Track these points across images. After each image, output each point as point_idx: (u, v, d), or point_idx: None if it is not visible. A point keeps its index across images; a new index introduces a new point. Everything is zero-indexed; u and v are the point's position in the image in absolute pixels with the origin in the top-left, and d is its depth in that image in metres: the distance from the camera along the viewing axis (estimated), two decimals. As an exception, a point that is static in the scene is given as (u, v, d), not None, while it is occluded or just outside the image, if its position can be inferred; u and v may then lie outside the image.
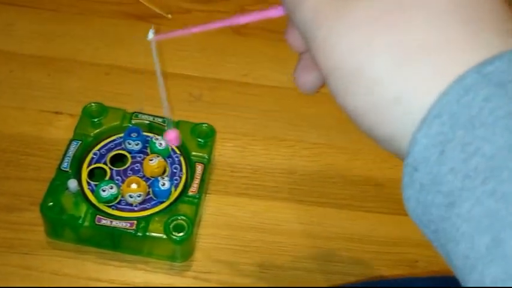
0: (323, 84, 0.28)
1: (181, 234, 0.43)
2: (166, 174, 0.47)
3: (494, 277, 0.19)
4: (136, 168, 0.47)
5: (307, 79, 0.29)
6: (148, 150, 0.48)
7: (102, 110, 0.50)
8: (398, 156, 0.23)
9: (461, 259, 0.20)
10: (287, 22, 0.28)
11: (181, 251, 0.44)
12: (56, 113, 0.54)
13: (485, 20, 0.22)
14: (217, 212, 0.49)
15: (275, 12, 0.29)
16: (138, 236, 0.42)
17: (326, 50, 0.23)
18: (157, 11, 0.65)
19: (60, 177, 0.45)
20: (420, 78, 0.21)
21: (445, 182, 0.20)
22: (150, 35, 0.35)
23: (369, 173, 0.53)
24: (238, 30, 0.65)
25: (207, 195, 0.50)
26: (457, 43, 0.21)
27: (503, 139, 0.19)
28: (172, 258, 0.44)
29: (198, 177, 0.47)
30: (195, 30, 0.32)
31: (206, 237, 0.47)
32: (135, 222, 0.43)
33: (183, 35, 0.34)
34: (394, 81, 0.22)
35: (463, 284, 0.21)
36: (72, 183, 0.44)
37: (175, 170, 0.47)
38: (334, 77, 0.23)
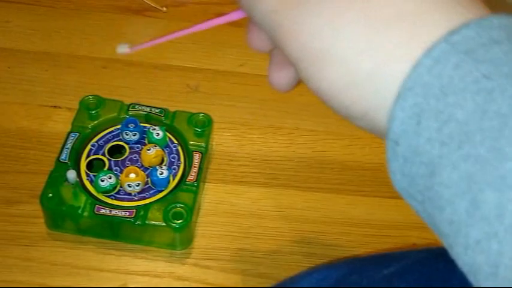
0: (298, 80, 0.29)
1: (180, 221, 0.43)
2: (164, 163, 0.47)
3: (476, 239, 0.19)
4: (135, 158, 0.47)
5: (280, 76, 0.29)
6: (145, 141, 0.49)
7: (100, 102, 0.51)
8: (376, 133, 0.24)
9: (447, 225, 0.21)
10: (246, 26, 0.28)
11: (181, 238, 0.45)
12: (55, 107, 0.54)
13: None
14: (216, 200, 0.50)
15: (237, 15, 0.30)
16: (138, 224, 0.43)
17: (292, 38, 0.23)
18: (153, 4, 0.66)
19: (59, 168, 0.45)
20: (390, 52, 0.22)
21: (425, 152, 0.21)
22: (121, 49, 0.35)
23: (365, 157, 0.53)
24: (233, 22, 0.66)
25: (206, 184, 0.50)
26: (423, 14, 0.22)
27: (474, 103, 0.20)
28: (172, 246, 0.45)
29: (196, 165, 0.47)
30: (167, 38, 0.34)
31: (205, 225, 0.48)
32: (134, 211, 0.43)
33: (156, 43, 0.34)
34: (363, 58, 0.22)
35: (450, 250, 0.21)
36: (71, 174, 0.44)
37: (173, 160, 0.48)
38: (304, 63, 0.23)
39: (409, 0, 0.22)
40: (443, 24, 0.21)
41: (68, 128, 0.49)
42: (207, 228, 0.48)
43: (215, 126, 0.52)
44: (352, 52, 0.22)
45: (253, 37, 0.29)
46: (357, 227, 0.49)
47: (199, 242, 0.47)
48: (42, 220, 0.45)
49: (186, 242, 0.46)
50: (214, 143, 0.53)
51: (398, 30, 0.22)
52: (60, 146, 0.48)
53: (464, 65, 0.20)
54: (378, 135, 0.24)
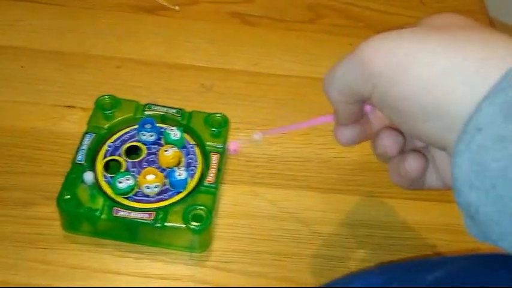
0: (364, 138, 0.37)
1: (200, 223, 0.42)
2: (181, 164, 0.46)
3: None
4: (152, 159, 0.47)
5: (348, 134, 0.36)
6: (162, 141, 0.48)
7: (115, 102, 0.50)
8: (438, 138, 0.27)
9: None
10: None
11: (200, 240, 0.44)
12: (69, 107, 0.53)
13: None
14: (234, 202, 0.49)
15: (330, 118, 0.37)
16: (157, 226, 0.42)
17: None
18: (165, 3, 0.65)
19: (76, 170, 0.45)
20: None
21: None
22: (256, 136, 0.38)
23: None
24: (247, 20, 0.65)
25: (223, 185, 0.49)
26: (495, 41, 0.26)
27: None
28: (191, 248, 0.44)
29: (214, 166, 0.46)
30: (297, 126, 0.41)
31: (224, 227, 0.47)
32: (153, 213, 0.42)
33: (285, 132, 0.37)
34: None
35: None
36: (88, 176, 0.43)
37: (190, 160, 0.47)
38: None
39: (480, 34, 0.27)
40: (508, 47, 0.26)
41: (82, 128, 0.48)
42: (226, 230, 0.47)
43: (230, 126, 0.51)
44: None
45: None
46: (378, 229, 0.48)
47: (218, 244, 0.46)
48: (58, 222, 0.45)
49: (205, 244, 0.45)
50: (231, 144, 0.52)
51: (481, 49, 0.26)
52: (74, 146, 0.47)
53: None
54: (436, 142, 0.28)
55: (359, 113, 0.34)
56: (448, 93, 0.26)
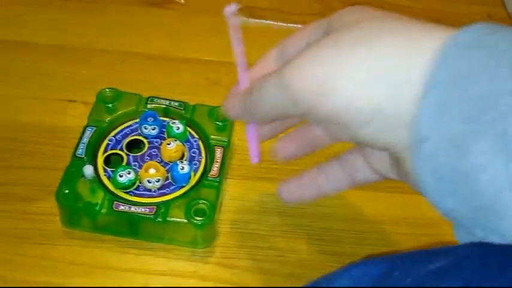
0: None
1: (202, 218, 0.41)
2: (184, 158, 0.45)
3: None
4: (154, 153, 0.45)
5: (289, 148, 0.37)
6: (165, 135, 0.47)
7: (117, 95, 0.49)
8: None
9: (488, 188, 0.23)
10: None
11: (203, 236, 0.42)
12: (70, 101, 0.52)
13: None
14: (239, 197, 0.47)
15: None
16: (158, 221, 0.41)
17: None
18: (170, -4, 0.64)
19: (76, 164, 0.44)
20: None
21: (453, 136, 0.24)
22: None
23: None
24: (254, 13, 0.64)
25: (228, 180, 0.48)
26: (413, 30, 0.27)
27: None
28: (193, 244, 0.43)
29: (218, 160, 0.45)
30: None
31: (228, 222, 0.45)
32: (155, 207, 0.41)
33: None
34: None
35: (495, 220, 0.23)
36: (88, 169, 0.42)
37: (193, 154, 0.46)
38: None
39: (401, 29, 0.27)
40: (441, 34, 0.25)
41: (84, 122, 0.47)
42: (230, 226, 0.45)
43: (236, 120, 0.50)
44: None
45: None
46: (387, 225, 0.46)
47: (221, 240, 0.44)
48: (58, 218, 0.44)
49: (209, 240, 0.43)
50: (235, 138, 0.50)
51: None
52: (75, 141, 0.46)
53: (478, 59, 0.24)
54: (376, 145, 0.28)
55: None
56: (375, 98, 0.26)
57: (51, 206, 0.43)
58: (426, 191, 0.26)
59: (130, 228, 0.42)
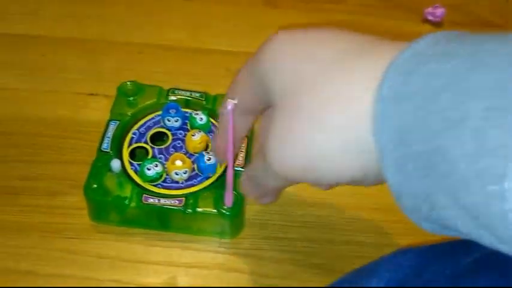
0: None
1: (231, 208, 0.41)
2: (209, 149, 0.45)
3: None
4: (178, 145, 0.45)
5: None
6: (188, 126, 0.47)
7: (138, 88, 0.49)
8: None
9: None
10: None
11: (232, 226, 0.42)
12: (91, 94, 0.52)
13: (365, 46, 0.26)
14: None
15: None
16: (188, 212, 0.41)
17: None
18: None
19: (102, 158, 0.44)
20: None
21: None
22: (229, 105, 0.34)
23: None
24: (272, 2, 0.63)
25: (251, 170, 0.48)
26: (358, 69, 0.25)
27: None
28: (222, 234, 0.43)
29: (243, 150, 0.45)
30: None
31: (254, 213, 0.45)
32: (184, 199, 0.41)
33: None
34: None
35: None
36: (116, 163, 0.42)
37: (218, 145, 0.46)
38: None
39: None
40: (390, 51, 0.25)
41: (106, 115, 0.47)
42: (255, 217, 0.45)
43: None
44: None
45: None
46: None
47: (248, 231, 0.44)
48: (85, 212, 0.44)
49: (237, 230, 0.43)
50: (256, 126, 0.50)
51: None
52: (98, 134, 0.46)
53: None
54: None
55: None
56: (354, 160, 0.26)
57: (77, 200, 0.43)
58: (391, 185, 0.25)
59: (159, 220, 0.42)
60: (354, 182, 0.27)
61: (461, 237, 0.23)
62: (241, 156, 0.44)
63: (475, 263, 0.29)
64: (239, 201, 0.41)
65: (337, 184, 0.28)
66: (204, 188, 0.42)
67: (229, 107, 0.34)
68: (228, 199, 0.40)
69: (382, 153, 0.23)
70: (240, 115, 0.34)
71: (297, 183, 0.32)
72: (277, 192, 0.36)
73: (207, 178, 0.43)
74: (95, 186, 0.42)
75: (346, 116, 0.25)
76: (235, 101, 0.33)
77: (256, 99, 0.32)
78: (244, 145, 0.45)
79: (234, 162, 0.40)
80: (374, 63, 0.24)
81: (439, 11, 0.60)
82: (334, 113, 0.25)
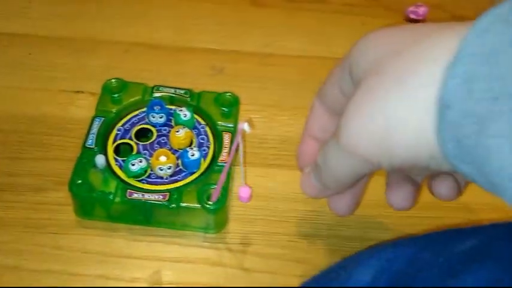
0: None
1: (215, 202, 0.41)
2: (193, 145, 0.45)
3: None
4: (163, 141, 0.46)
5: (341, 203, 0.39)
6: (172, 123, 0.47)
7: (122, 85, 0.49)
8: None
9: (497, 173, 0.23)
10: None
11: (216, 220, 0.43)
12: (77, 92, 0.53)
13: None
14: (248, 184, 0.48)
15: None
16: (172, 207, 0.41)
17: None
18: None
19: (86, 154, 0.44)
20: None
21: (475, 112, 0.23)
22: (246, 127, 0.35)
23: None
24: (256, 1, 0.64)
25: (236, 167, 0.48)
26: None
27: None
28: (206, 229, 0.43)
29: (227, 145, 0.45)
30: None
31: (237, 209, 0.46)
32: (168, 194, 0.42)
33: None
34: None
35: (505, 198, 0.23)
36: (100, 159, 0.42)
37: (202, 141, 0.46)
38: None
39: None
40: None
41: (91, 113, 0.47)
42: (240, 212, 0.46)
43: (242, 108, 0.50)
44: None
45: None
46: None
47: (232, 226, 0.45)
48: (70, 208, 0.44)
49: (221, 224, 0.44)
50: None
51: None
52: (83, 131, 0.46)
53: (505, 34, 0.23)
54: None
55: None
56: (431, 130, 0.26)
57: (62, 195, 0.44)
58: (447, 156, 0.25)
59: (144, 215, 0.43)
60: (431, 161, 0.27)
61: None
62: (225, 152, 0.45)
63: (469, 251, 0.29)
64: (223, 196, 0.42)
65: (414, 166, 0.28)
66: (188, 183, 0.43)
67: (241, 126, 0.35)
68: (216, 194, 0.41)
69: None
70: (324, 114, 0.37)
71: (364, 174, 0.32)
72: (340, 185, 0.35)
73: (191, 173, 0.43)
74: (80, 182, 0.42)
75: (429, 74, 0.25)
76: (246, 123, 0.35)
77: (339, 94, 0.34)
78: (228, 141, 0.46)
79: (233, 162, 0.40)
80: (457, 32, 0.25)
81: (422, 10, 0.60)
82: (416, 73, 0.26)
